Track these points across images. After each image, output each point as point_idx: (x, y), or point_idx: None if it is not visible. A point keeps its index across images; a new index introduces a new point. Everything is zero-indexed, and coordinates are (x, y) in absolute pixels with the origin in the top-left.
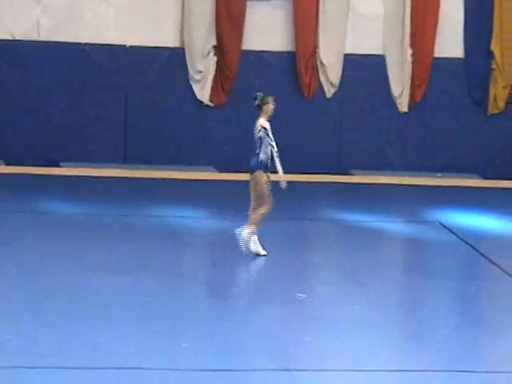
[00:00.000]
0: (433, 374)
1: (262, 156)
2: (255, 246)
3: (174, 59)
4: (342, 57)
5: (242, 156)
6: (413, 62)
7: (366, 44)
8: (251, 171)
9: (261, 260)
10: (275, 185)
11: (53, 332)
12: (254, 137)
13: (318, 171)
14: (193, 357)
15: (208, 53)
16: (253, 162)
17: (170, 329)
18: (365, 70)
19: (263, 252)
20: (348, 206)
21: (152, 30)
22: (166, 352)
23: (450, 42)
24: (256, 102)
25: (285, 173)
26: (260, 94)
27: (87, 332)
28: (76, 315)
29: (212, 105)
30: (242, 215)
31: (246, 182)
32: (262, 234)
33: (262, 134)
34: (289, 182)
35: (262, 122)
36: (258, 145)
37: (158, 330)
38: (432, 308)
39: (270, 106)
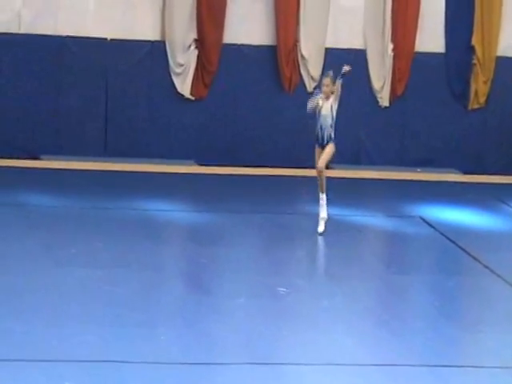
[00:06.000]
0: (410, 369)
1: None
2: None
3: (154, 52)
4: (323, 50)
5: (223, 149)
6: (394, 57)
7: (346, 38)
8: None
9: (241, 253)
10: None
11: (26, 325)
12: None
13: (297, 165)
14: (171, 350)
15: (189, 46)
16: None
17: (148, 322)
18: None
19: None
20: (327, 200)
21: (133, 23)
22: (144, 345)
23: (431, 37)
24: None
25: (263, 166)
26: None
27: (61, 325)
28: (51, 308)
29: (193, 98)
30: (224, 208)
31: (226, 176)
32: (243, 227)
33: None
34: (268, 176)
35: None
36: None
37: (136, 323)
38: (411, 303)
39: (323, 85)
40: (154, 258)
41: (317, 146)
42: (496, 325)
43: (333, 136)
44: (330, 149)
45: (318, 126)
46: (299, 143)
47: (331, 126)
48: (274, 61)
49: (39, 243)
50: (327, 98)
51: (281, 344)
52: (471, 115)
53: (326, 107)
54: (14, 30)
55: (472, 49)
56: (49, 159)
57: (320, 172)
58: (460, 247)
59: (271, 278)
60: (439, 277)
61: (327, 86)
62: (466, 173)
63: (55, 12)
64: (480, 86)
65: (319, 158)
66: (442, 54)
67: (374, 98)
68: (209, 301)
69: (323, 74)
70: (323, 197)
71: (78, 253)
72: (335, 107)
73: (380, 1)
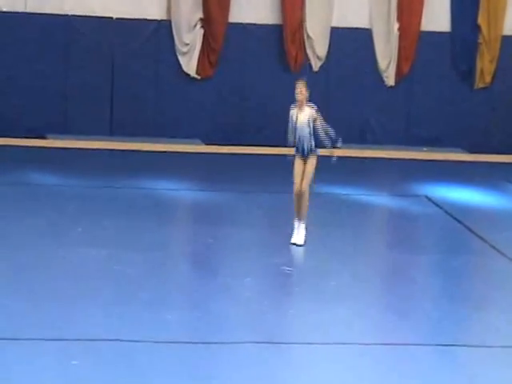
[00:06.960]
0: (416, 348)
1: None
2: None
3: (160, 31)
4: (328, 30)
5: (229, 128)
6: (399, 36)
7: (352, 17)
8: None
9: (247, 232)
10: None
11: (33, 304)
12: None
13: None
14: (177, 329)
15: (195, 25)
16: None
17: (154, 301)
18: (351, 44)
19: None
20: (334, 179)
21: (139, 2)
22: (150, 324)
23: (437, 16)
24: None
25: (272, 145)
26: (302, 79)
27: (67, 304)
28: (57, 287)
29: (199, 77)
30: (230, 187)
31: (233, 154)
32: (249, 206)
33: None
34: (278, 156)
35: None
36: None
37: (142, 303)
38: (417, 282)
39: (296, 92)
40: (160, 237)
41: (297, 155)
42: (502, 304)
43: (313, 146)
44: (311, 167)
45: (297, 137)
46: None
47: (310, 135)
48: (280, 40)
49: (45, 222)
50: (301, 107)
51: (287, 323)
52: (477, 94)
53: (303, 119)
54: (19, 8)
55: (478, 28)
56: (55, 138)
57: (301, 193)
58: (466, 226)
59: (277, 258)
60: (445, 256)
61: (301, 93)
62: (471, 152)
63: None
64: (486, 65)
65: (299, 172)
66: (447, 33)
67: (380, 77)
68: (215, 280)
69: (329, 52)
70: (300, 225)
71: (84, 232)
72: (311, 123)
73: None
